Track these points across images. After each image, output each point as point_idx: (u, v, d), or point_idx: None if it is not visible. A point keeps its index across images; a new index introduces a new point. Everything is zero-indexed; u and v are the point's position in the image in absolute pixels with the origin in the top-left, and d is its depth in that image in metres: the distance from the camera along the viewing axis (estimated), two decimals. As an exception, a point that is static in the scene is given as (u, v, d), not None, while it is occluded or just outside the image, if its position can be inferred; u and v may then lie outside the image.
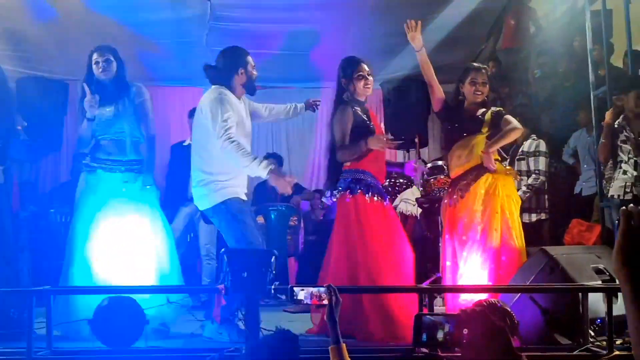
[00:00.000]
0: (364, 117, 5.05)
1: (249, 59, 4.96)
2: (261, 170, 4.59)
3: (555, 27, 8.15)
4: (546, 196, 7.02)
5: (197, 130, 4.90)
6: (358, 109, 5.06)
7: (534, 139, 6.96)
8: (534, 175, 6.86)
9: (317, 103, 5.44)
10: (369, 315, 4.71)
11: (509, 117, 5.17)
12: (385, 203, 5.06)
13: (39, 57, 8.07)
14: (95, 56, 5.15)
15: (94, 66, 5.15)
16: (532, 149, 6.93)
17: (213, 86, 4.87)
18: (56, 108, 8.33)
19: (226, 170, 4.76)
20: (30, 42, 7.77)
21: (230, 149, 4.60)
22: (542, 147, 6.94)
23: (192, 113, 7.26)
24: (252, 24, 7.75)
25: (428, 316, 2.20)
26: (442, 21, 7.74)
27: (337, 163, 5.10)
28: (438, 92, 5.27)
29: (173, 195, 7.01)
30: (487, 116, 5.13)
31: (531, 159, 6.91)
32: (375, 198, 4.97)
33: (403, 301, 4.78)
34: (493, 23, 8.61)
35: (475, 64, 5.51)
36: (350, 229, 4.94)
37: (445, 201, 5.28)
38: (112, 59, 5.17)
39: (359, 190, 4.93)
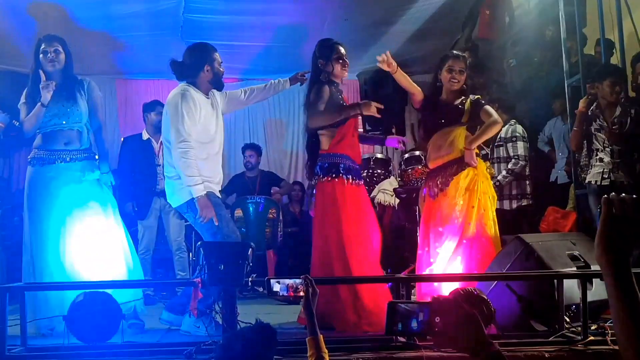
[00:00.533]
0: (339, 96, 5.09)
1: (216, 55, 4.94)
2: (194, 192, 4.63)
3: (529, 16, 8.16)
4: (528, 181, 7.05)
5: (165, 127, 4.88)
6: (334, 88, 5.08)
7: (511, 124, 6.99)
8: (513, 160, 6.88)
9: (305, 77, 5.35)
10: (345, 304, 4.73)
11: (488, 108, 5.15)
12: (361, 186, 5.10)
13: (10, 52, 7.97)
14: (43, 46, 4.99)
15: (41, 56, 4.99)
16: (509, 135, 6.95)
17: (179, 84, 4.87)
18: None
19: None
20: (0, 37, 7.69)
21: (179, 164, 4.65)
22: (519, 131, 6.96)
23: (146, 107, 7.24)
24: (227, 15, 7.71)
25: (402, 304, 2.19)
26: (418, 11, 7.75)
27: (316, 148, 5.11)
28: (419, 95, 5.26)
29: (129, 189, 7.01)
30: (467, 105, 5.12)
31: (509, 145, 6.93)
32: (354, 181, 4.99)
33: (375, 289, 4.82)
34: (468, 13, 8.62)
35: (454, 51, 5.49)
36: (329, 214, 4.95)
37: (424, 192, 5.27)
38: (60, 49, 5.02)
39: (339, 175, 4.94)
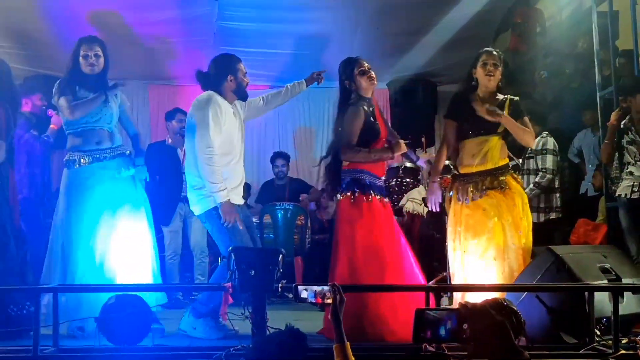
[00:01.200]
0: (372, 118, 5.01)
1: (240, 66, 5.02)
2: (218, 198, 4.74)
3: (561, 28, 8.14)
4: (557, 195, 7.01)
5: (189, 134, 4.95)
6: (366, 108, 5.00)
7: (542, 137, 6.95)
8: (540, 173, 6.85)
9: (322, 77, 5.41)
10: (367, 314, 4.69)
11: (527, 120, 5.07)
12: (382, 201, 5.02)
13: (46, 56, 8.09)
14: (83, 49, 5.03)
15: (81, 60, 5.03)
16: (540, 147, 6.91)
17: (204, 92, 4.95)
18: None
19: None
20: (37, 41, 7.80)
21: (203, 170, 4.76)
22: (550, 144, 6.92)
23: (168, 116, 7.29)
24: (260, 23, 7.77)
25: (430, 312, 2.19)
26: (450, 21, 7.75)
27: (338, 164, 5.07)
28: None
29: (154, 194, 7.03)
30: (506, 107, 5.02)
31: (539, 157, 6.90)
32: (374, 196, 4.94)
33: (397, 300, 4.75)
34: (500, 24, 8.60)
35: (487, 48, 5.31)
36: (348, 230, 4.93)
37: (454, 196, 5.16)
38: (100, 53, 5.06)
39: (357, 191, 4.91)
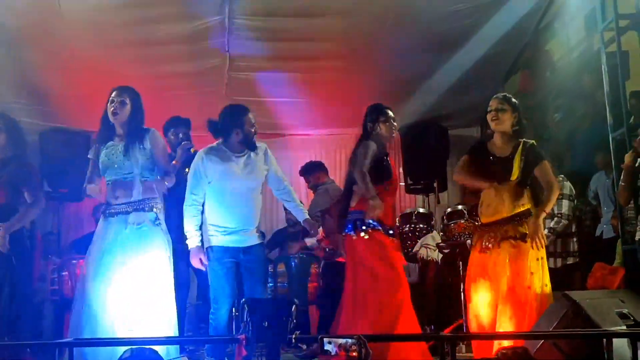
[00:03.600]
0: (385, 157, 5.34)
1: (247, 118, 5.23)
2: (190, 242, 5.16)
3: (571, 69, 8.13)
4: (574, 239, 6.93)
5: None
6: (379, 147, 5.28)
7: (558, 181, 6.89)
8: (555, 219, 6.78)
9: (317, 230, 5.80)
10: None
11: (545, 165, 4.99)
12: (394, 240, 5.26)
13: (61, 110, 8.20)
14: (113, 95, 5.06)
15: (108, 104, 5.06)
16: (556, 192, 6.87)
17: (206, 147, 5.27)
18: (78, 159, 8.43)
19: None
20: (52, 95, 7.91)
21: (186, 215, 5.18)
22: (567, 189, 6.85)
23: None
24: (271, 72, 7.87)
25: None
26: (456, 63, 7.82)
27: (347, 203, 5.33)
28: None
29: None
30: (517, 157, 4.97)
31: (555, 202, 6.85)
32: (382, 234, 5.17)
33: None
34: (510, 67, 8.64)
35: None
36: (353, 268, 5.19)
37: (475, 246, 5.14)
38: (127, 101, 5.03)
39: (368, 229, 5.12)
